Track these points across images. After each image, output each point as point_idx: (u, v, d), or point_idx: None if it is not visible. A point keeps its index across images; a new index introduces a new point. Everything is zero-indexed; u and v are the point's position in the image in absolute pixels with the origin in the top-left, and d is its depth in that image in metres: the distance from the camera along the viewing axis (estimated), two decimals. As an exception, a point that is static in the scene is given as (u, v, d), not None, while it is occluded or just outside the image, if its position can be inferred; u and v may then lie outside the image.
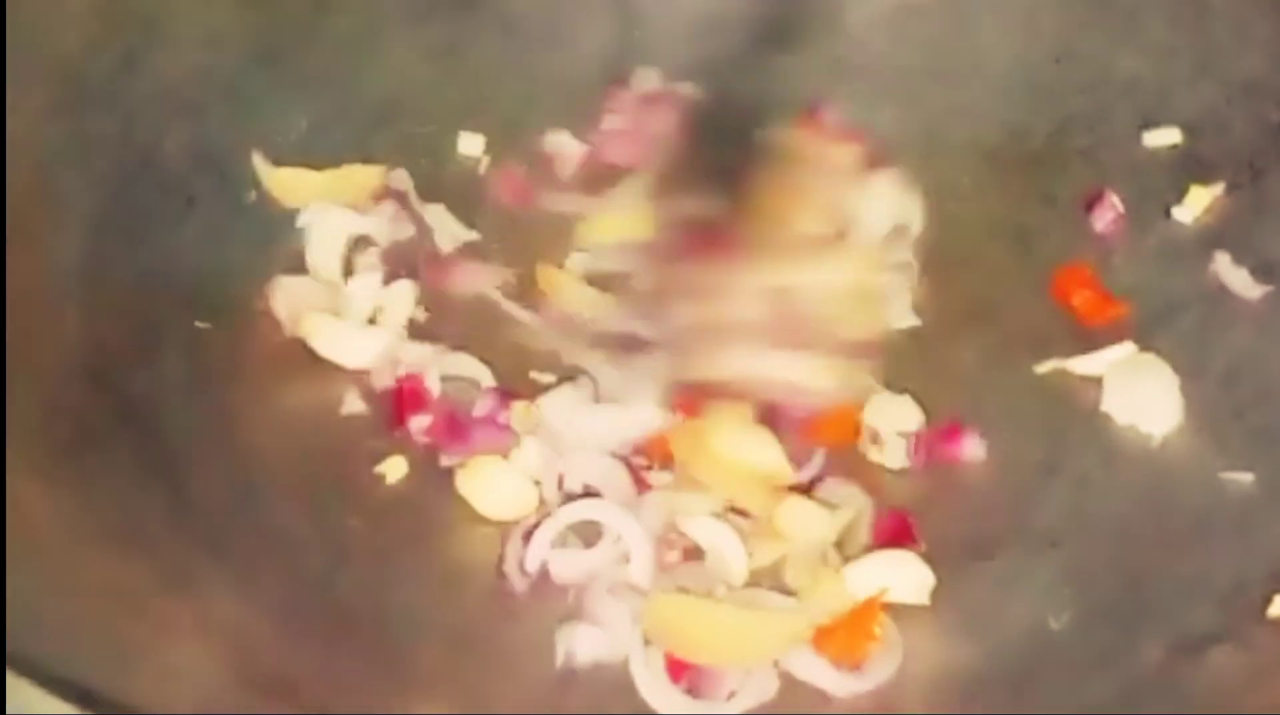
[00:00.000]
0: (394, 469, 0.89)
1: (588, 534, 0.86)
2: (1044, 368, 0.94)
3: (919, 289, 0.97)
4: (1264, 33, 0.99)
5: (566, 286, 0.97)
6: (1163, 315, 0.94)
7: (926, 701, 0.80)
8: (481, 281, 0.98)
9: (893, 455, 0.90)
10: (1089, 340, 0.94)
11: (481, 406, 0.91)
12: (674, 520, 0.86)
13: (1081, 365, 0.93)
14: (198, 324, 0.91)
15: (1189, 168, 0.99)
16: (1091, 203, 1.00)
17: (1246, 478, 0.86)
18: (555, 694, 0.80)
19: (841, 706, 0.80)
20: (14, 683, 0.63)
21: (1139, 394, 0.91)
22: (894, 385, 0.92)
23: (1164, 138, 1.01)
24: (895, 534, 0.86)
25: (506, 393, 0.91)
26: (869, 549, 0.85)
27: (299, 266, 0.96)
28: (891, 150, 1.02)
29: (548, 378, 0.92)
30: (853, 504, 0.87)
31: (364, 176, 1.00)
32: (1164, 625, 0.80)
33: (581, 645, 0.82)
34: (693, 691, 0.80)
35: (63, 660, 0.65)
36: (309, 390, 0.92)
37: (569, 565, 0.85)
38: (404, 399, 0.91)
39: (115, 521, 0.78)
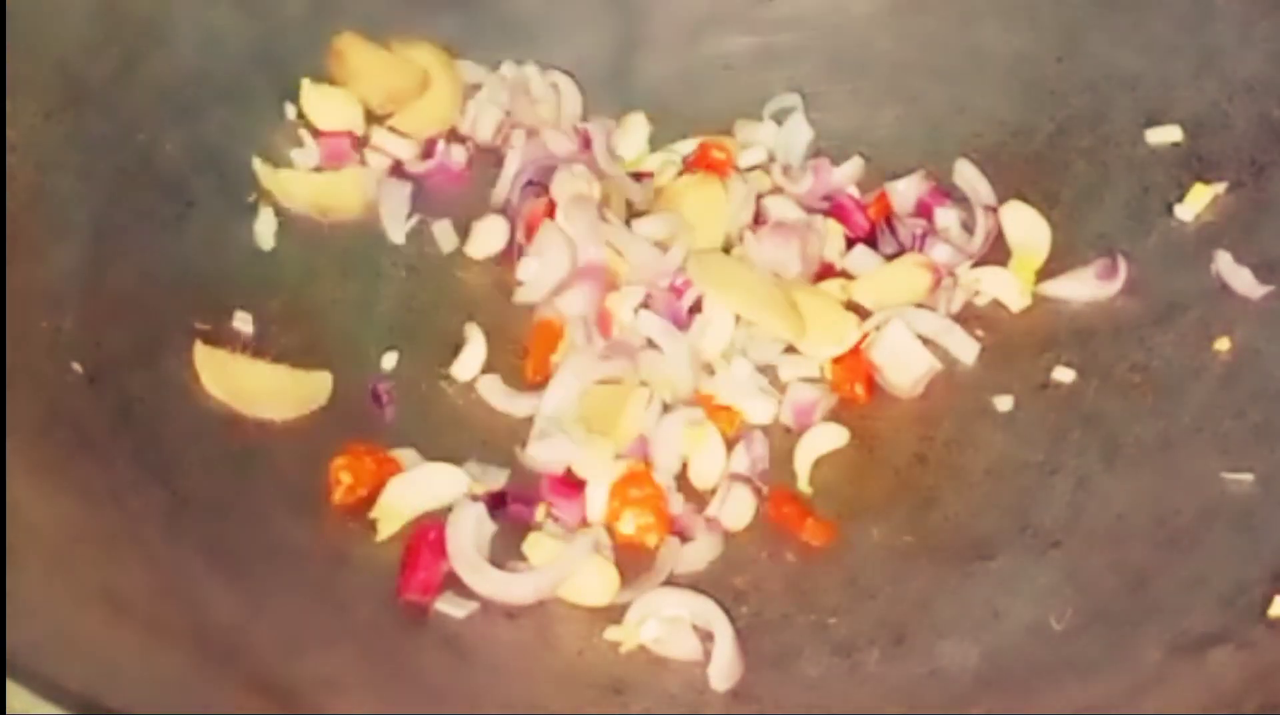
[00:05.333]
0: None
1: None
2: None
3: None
4: (1266, 31, 0.99)
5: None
6: (1164, 314, 0.94)
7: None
8: None
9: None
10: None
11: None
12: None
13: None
14: (197, 325, 0.91)
15: (1191, 166, 0.99)
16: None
17: (1246, 478, 0.86)
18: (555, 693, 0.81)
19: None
20: (13, 684, 0.64)
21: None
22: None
23: (1166, 136, 1.00)
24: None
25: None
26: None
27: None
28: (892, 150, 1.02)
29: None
30: None
31: (363, 177, 1.00)
32: (1164, 625, 0.80)
33: None
34: None
35: (61, 662, 0.65)
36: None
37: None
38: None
39: (114, 523, 0.78)
